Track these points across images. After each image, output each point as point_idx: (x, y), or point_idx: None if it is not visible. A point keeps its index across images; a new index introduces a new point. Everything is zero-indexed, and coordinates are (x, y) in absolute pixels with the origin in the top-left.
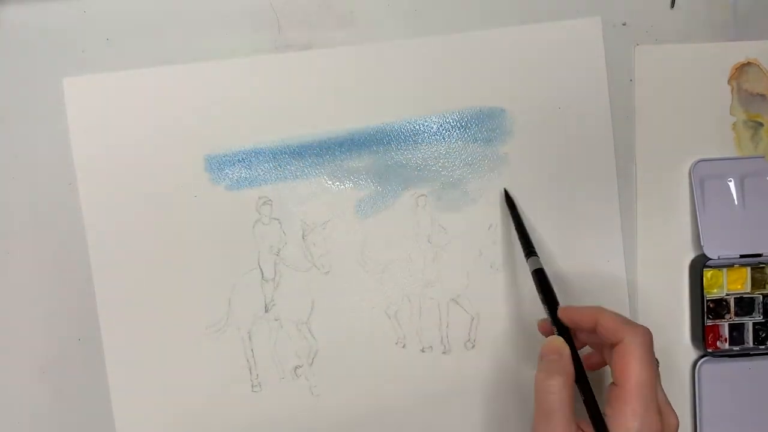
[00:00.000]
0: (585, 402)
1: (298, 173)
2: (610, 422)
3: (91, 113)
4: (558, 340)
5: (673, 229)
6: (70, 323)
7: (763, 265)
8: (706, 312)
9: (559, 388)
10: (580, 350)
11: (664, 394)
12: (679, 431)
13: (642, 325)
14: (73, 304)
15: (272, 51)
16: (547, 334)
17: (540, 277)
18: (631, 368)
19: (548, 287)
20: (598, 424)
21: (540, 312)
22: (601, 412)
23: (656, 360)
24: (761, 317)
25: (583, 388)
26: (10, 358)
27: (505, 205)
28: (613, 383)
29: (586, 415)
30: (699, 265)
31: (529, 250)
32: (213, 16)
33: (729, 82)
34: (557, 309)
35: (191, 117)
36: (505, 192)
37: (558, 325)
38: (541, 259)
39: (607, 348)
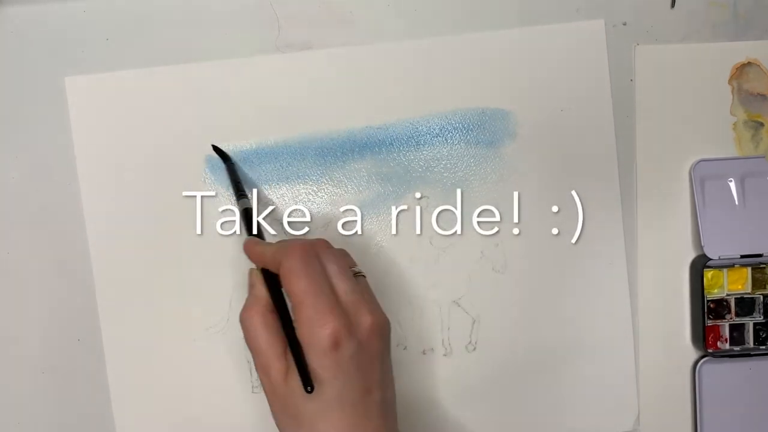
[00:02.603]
0: (282, 324)
1: (299, 174)
2: (299, 337)
3: (93, 113)
4: (253, 272)
5: (674, 229)
6: (70, 323)
7: (764, 266)
8: (707, 312)
9: (256, 318)
10: None
11: (360, 295)
12: (679, 431)
13: (296, 241)
14: (73, 304)
15: (272, 51)
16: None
17: (247, 216)
18: (292, 283)
19: (251, 225)
20: (291, 344)
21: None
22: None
23: (353, 272)
24: (762, 317)
25: (279, 312)
26: (11, 358)
27: (514, 207)
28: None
29: None
30: (699, 266)
31: (240, 193)
32: (213, 16)
33: (729, 82)
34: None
35: (192, 117)
36: (214, 147)
37: None
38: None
39: None
